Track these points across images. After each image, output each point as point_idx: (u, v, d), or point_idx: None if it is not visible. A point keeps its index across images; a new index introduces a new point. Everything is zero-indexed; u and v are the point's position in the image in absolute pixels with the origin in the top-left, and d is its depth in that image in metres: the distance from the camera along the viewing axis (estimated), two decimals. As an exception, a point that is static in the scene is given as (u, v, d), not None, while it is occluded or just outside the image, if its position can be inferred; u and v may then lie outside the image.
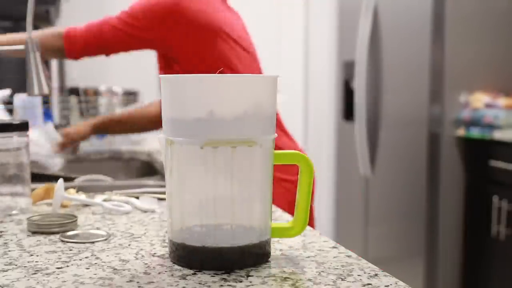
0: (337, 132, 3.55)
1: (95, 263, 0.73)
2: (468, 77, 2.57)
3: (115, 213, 1.01)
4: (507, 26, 2.62)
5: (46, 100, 2.36)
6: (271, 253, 0.75)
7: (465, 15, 2.56)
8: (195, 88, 0.69)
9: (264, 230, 0.73)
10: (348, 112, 3.35)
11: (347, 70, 3.33)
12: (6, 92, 2.22)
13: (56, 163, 1.68)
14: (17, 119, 1.75)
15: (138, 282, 0.66)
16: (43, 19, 2.91)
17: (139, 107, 1.98)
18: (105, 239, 0.84)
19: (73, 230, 0.88)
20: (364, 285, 0.66)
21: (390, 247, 3.00)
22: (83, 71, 3.02)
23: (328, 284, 0.66)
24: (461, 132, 2.54)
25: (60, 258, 0.75)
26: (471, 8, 2.57)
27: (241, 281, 0.66)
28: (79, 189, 1.11)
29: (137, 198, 1.08)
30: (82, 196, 1.06)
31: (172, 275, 0.69)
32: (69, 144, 1.83)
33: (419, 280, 2.63)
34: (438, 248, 2.56)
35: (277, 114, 0.98)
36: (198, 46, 1.52)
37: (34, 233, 0.87)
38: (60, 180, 1.01)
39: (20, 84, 1.57)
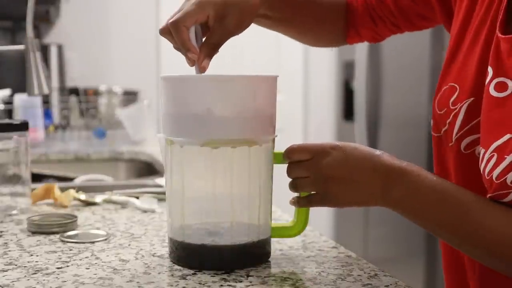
0: (337, 132, 3.55)
1: (95, 263, 0.73)
2: (468, 77, 2.56)
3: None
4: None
5: (46, 100, 2.36)
6: (271, 253, 0.75)
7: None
8: (194, 87, 0.69)
9: (263, 229, 0.73)
10: (348, 112, 3.35)
11: (347, 70, 3.33)
12: (6, 92, 2.22)
13: None
14: (17, 119, 1.75)
15: (138, 282, 0.66)
16: (43, 19, 2.91)
17: None
18: (105, 239, 0.84)
19: (73, 230, 0.88)
20: (364, 285, 0.66)
21: (390, 248, 3.00)
22: (83, 71, 3.02)
23: (328, 284, 0.66)
24: (461, 132, 2.54)
25: (60, 258, 0.75)
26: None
27: (241, 281, 0.66)
28: (79, 189, 1.11)
29: (137, 198, 1.08)
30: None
31: (172, 275, 0.69)
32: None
33: (419, 280, 2.62)
34: (438, 248, 2.56)
35: None
36: None
37: (34, 233, 0.87)
38: None
39: (20, 84, 1.57)
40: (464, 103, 0.72)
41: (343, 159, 0.69)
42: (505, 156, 0.62)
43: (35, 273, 0.69)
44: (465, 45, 0.76)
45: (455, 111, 0.73)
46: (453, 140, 0.74)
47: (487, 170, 0.64)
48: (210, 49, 0.76)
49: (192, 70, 0.77)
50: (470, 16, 0.76)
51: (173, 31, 0.75)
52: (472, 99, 0.71)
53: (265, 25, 0.92)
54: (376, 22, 0.95)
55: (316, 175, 0.70)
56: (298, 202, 0.73)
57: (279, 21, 0.91)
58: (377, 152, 0.69)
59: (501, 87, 0.66)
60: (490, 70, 0.68)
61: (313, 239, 0.84)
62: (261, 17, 0.88)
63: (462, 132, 0.73)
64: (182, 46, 0.75)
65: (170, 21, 0.75)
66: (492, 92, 0.67)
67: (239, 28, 0.79)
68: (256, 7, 0.81)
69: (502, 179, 0.62)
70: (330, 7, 0.97)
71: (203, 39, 0.78)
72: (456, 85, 0.75)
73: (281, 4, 0.89)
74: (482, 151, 0.66)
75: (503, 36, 0.67)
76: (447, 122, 0.75)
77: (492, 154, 0.64)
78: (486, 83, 0.68)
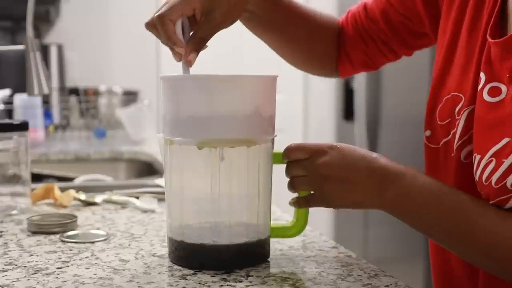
0: (337, 132, 3.55)
1: (95, 263, 0.73)
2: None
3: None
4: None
5: (46, 100, 2.36)
6: (271, 253, 0.75)
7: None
8: (193, 87, 0.69)
9: (263, 229, 0.73)
10: (348, 112, 3.35)
11: (347, 70, 3.33)
12: (6, 92, 2.22)
13: None
14: (17, 119, 1.75)
15: (138, 282, 0.66)
16: (43, 19, 2.91)
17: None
18: (105, 239, 0.84)
19: (73, 230, 0.88)
20: (364, 285, 0.66)
21: (390, 248, 3.00)
22: (83, 71, 3.02)
23: (328, 284, 0.66)
24: (461, 132, 2.54)
25: (60, 258, 0.75)
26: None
27: (241, 281, 0.66)
28: (79, 189, 1.11)
29: (137, 198, 1.08)
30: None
31: (172, 275, 0.69)
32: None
33: (419, 280, 2.63)
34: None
35: None
36: None
37: (34, 233, 0.87)
38: None
39: (20, 84, 1.57)
40: (464, 111, 0.71)
41: (340, 159, 0.69)
42: (503, 160, 0.62)
43: (35, 273, 0.69)
44: (460, 53, 0.75)
45: (458, 121, 0.72)
46: (454, 150, 0.73)
47: (484, 176, 0.64)
48: (197, 43, 0.74)
49: (193, 70, 0.76)
50: (460, 26, 0.75)
51: (158, 25, 0.72)
52: (472, 106, 0.70)
53: (254, 28, 0.88)
54: (367, 43, 0.92)
55: (313, 174, 0.69)
56: (298, 203, 0.73)
57: (268, 24, 0.87)
58: (374, 154, 0.69)
59: (494, 92, 0.66)
60: (482, 75, 0.68)
61: (313, 239, 0.84)
62: (250, 14, 0.83)
63: (463, 141, 0.72)
64: (168, 40, 0.73)
65: (156, 14, 0.72)
66: (486, 97, 0.66)
67: (227, 20, 0.77)
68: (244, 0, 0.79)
69: (502, 183, 0.62)
70: (324, 25, 0.94)
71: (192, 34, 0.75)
72: (460, 94, 0.73)
73: (271, 4, 0.85)
74: (478, 157, 0.65)
75: (493, 41, 0.67)
76: (451, 132, 0.74)
77: (490, 159, 0.63)
78: (479, 89, 0.68)
